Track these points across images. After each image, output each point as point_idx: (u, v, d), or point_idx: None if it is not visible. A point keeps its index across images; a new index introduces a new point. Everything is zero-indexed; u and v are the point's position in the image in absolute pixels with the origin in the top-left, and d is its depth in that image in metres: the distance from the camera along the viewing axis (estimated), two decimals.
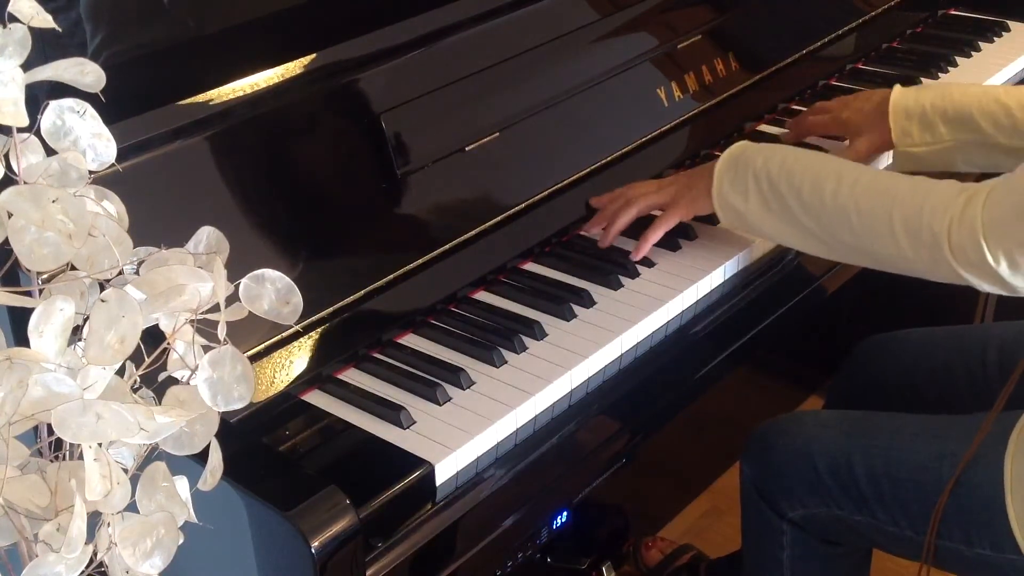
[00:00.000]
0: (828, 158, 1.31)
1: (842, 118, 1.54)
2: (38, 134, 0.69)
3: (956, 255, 1.15)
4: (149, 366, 0.71)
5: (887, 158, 1.55)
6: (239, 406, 0.70)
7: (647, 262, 1.35)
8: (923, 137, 1.46)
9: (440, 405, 1.12)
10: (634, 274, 1.34)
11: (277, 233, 1.21)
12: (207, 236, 0.76)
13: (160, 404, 0.70)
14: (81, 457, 0.65)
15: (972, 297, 1.22)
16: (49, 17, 0.68)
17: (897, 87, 1.51)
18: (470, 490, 1.07)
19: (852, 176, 1.24)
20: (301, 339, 1.16)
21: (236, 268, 0.74)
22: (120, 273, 0.70)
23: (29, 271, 0.68)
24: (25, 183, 0.67)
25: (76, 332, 0.66)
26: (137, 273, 0.71)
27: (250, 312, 0.74)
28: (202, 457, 0.74)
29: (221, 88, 1.19)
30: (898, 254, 1.20)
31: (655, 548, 1.93)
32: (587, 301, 1.28)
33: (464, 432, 1.09)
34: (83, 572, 0.67)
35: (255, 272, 0.74)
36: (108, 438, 0.64)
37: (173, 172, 1.15)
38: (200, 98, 1.18)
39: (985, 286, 1.18)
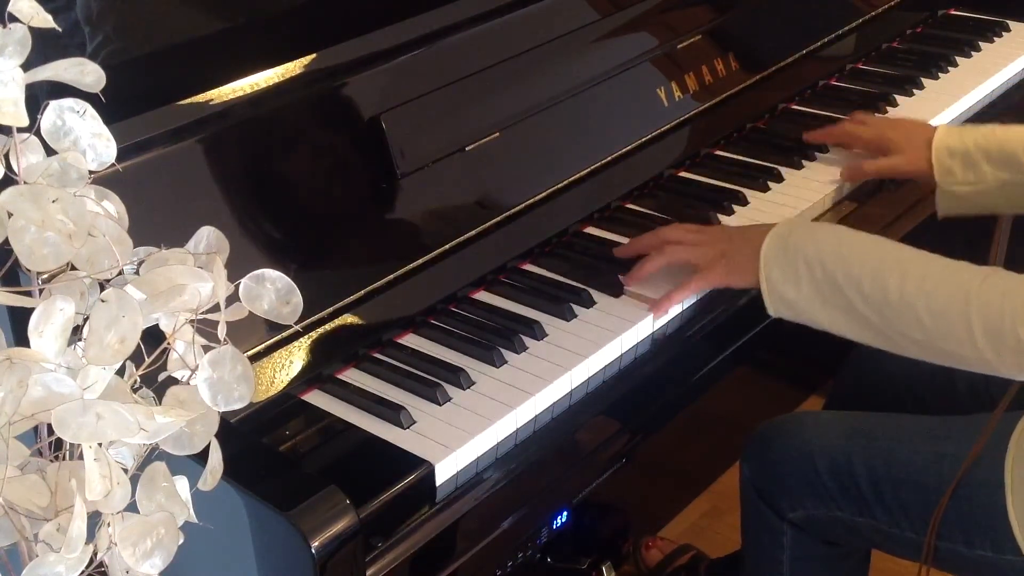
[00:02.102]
0: (883, 244, 1.24)
1: (887, 136, 1.52)
2: (38, 134, 0.69)
3: None
4: (149, 366, 0.71)
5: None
6: (239, 406, 0.70)
7: None
8: (966, 176, 1.45)
9: (440, 405, 1.12)
10: None
11: (277, 233, 1.21)
12: (207, 236, 0.75)
13: (160, 404, 0.70)
14: (81, 457, 0.65)
15: None
16: (49, 17, 0.68)
17: (942, 125, 1.50)
18: (470, 490, 1.07)
19: (917, 270, 1.18)
20: (301, 339, 1.16)
21: (236, 268, 0.74)
22: (120, 273, 0.70)
23: (29, 271, 0.68)
24: (25, 183, 0.67)
25: (76, 332, 0.66)
26: (137, 273, 0.71)
27: (250, 312, 0.74)
28: (202, 457, 0.74)
29: (221, 88, 1.19)
30: (977, 356, 1.15)
31: (655, 548, 1.93)
32: (587, 301, 1.28)
33: (464, 432, 1.09)
34: (83, 572, 0.67)
35: (255, 272, 0.74)
36: (108, 438, 0.64)
37: (173, 172, 1.14)
38: (200, 98, 1.18)
39: None
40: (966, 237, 1.52)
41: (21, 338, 0.66)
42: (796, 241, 1.24)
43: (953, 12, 2.06)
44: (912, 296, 1.16)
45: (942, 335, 1.16)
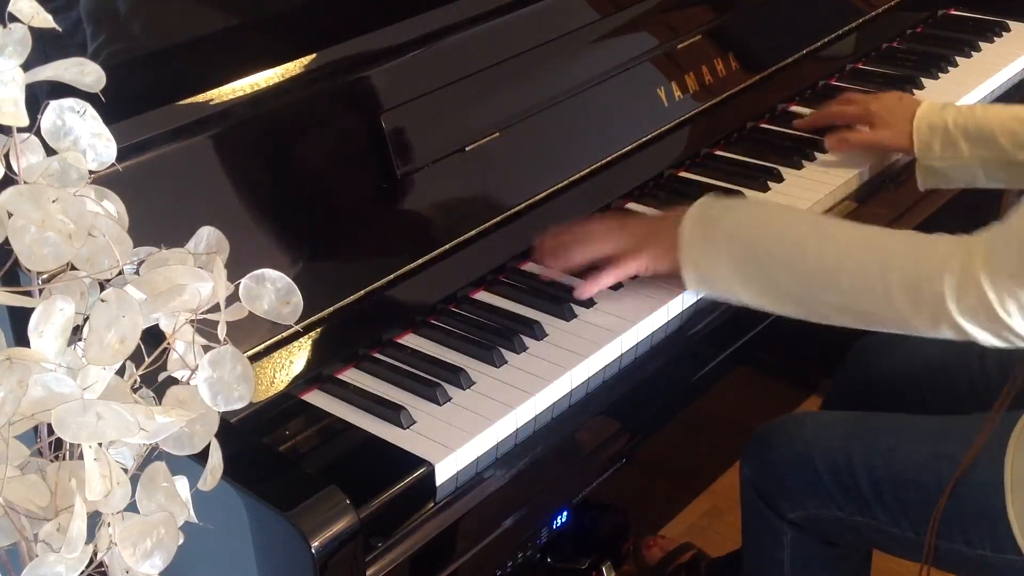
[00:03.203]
0: (801, 213, 1.26)
1: (871, 110, 1.57)
2: (38, 134, 0.69)
3: (965, 315, 1.11)
4: (149, 366, 0.71)
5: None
6: (239, 406, 0.70)
7: None
8: (944, 152, 1.48)
9: (440, 405, 1.12)
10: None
11: (277, 233, 1.21)
12: (207, 236, 0.76)
13: (160, 404, 0.70)
14: (81, 457, 0.65)
15: None
16: (49, 17, 0.68)
17: (925, 101, 1.53)
18: (470, 490, 1.07)
19: (834, 233, 1.20)
20: (301, 339, 1.16)
21: (236, 268, 0.74)
22: (120, 273, 0.70)
23: (29, 271, 0.68)
24: (25, 183, 0.67)
25: (76, 332, 0.66)
26: (137, 273, 0.71)
27: (250, 312, 0.74)
28: (202, 457, 0.74)
29: (221, 88, 1.19)
30: (894, 315, 1.16)
31: (655, 547, 1.93)
32: (587, 301, 1.28)
33: (464, 432, 1.09)
34: (83, 572, 0.67)
35: (255, 272, 0.74)
36: (108, 438, 0.64)
37: (173, 172, 1.15)
38: (200, 98, 1.18)
39: (997, 342, 1.14)
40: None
41: (21, 338, 0.66)
42: (714, 217, 1.26)
43: (953, 12, 2.06)
44: (831, 259, 1.18)
45: (860, 295, 1.17)
